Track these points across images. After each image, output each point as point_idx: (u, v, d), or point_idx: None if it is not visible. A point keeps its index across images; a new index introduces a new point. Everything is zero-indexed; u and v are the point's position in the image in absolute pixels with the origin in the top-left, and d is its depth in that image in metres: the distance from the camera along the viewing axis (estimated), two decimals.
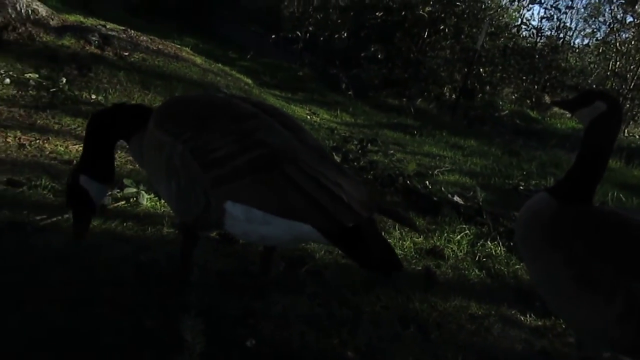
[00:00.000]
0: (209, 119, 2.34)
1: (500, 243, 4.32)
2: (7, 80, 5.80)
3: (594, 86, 16.70)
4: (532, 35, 17.62)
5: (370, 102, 11.80)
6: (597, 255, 2.15)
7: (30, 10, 7.48)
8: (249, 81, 10.03)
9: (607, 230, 2.25)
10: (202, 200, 2.25)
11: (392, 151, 6.85)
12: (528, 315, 3.29)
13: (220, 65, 10.06)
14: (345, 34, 13.74)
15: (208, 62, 9.54)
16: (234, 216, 2.21)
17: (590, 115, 2.39)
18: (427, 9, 13.22)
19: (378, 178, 5.41)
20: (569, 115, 14.45)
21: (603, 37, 20.61)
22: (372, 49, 12.82)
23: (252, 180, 2.12)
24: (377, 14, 13.44)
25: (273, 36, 14.15)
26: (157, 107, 2.66)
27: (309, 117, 8.86)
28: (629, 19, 18.05)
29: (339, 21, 13.92)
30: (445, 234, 4.26)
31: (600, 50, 19.45)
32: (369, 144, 6.32)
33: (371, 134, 8.02)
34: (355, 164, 5.71)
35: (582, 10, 24.11)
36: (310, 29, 14.10)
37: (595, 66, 19.41)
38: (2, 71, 5.98)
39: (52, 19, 7.75)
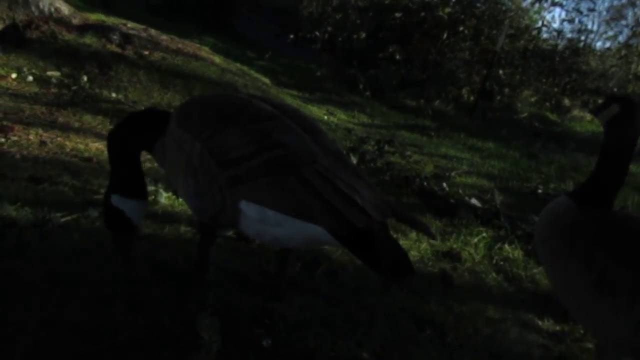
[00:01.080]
0: (229, 118, 2.35)
1: (518, 247, 4.29)
2: (30, 78, 5.89)
3: (615, 89, 16.47)
4: (552, 38, 17.43)
5: (388, 103, 11.76)
6: (618, 261, 2.13)
7: (52, 9, 7.59)
8: (267, 81, 10.06)
9: (627, 236, 2.22)
10: (219, 199, 2.27)
11: (409, 152, 6.83)
12: (546, 320, 3.26)
13: (238, 64, 10.10)
14: (363, 35, 13.69)
15: (226, 62, 9.58)
16: (248, 216, 2.23)
17: (606, 118, 2.39)
18: (447, 10, 13.14)
19: (395, 179, 5.40)
20: (588, 118, 14.12)
21: (625, 40, 20.34)
22: (391, 49, 12.77)
23: (268, 181, 2.13)
24: (396, 14, 13.39)
25: (291, 36, 14.17)
26: (178, 106, 2.67)
27: (326, 117, 8.86)
28: None
29: (358, 22, 13.89)
30: (462, 237, 4.24)
31: (622, 54, 19.18)
32: (386, 145, 6.30)
33: (388, 134, 8.00)
34: (372, 164, 5.70)
35: (605, 13, 23.80)
36: (329, 29, 14.08)
37: (617, 69, 19.14)
38: (25, 69, 6.07)
39: (74, 18, 7.85)
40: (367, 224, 1.98)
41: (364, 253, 2.01)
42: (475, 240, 4.21)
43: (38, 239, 2.79)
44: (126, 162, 2.66)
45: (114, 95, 6.07)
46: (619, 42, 21.27)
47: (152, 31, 8.67)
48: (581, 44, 17.54)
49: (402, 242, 3.82)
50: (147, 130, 2.65)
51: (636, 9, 19.24)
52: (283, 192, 2.11)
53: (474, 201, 5.09)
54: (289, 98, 9.26)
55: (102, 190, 3.41)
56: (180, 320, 2.38)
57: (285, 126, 2.30)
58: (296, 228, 2.12)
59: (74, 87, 5.72)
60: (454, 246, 4.04)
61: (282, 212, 2.12)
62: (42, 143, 4.25)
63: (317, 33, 13.98)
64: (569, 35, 17.81)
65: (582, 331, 3.18)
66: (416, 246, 3.88)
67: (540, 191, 6.42)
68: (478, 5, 13.92)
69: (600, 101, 2.64)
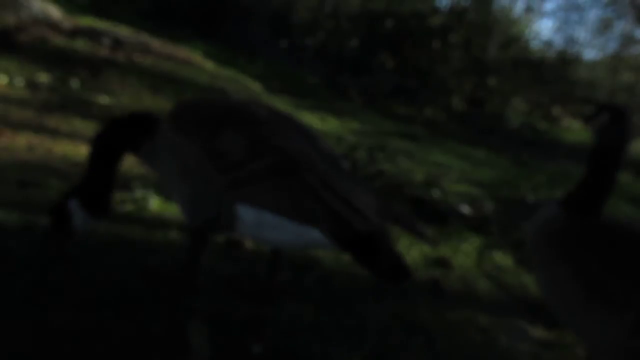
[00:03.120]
0: (227, 121, 2.35)
1: (509, 254, 4.30)
2: (20, 82, 5.84)
3: (603, 99, 16.63)
4: (542, 48, 17.59)
5: (379, 110, 11.79)
6: (608, 268, 2.14)
7: (43, 13, 7.55)
8: (258, 87, 10.06)
9: (617, 243, 2.23)
10: (215, 202, 2.26)
11: (400, 159, 6.84)
12: (536, 328, 3.26)
13: (230, 70, 10.10)
14: (355, 42, 13.75)
15: (218, 68, 9.57)
16: (245, 220, 2.22)
17: (596, 127, 2.40)
18: (438, 19, 13.25)
19: (386, 186, 5.40)
20: (577, 127, 14.25)
21: (613, 51, 20.56)
22: (382, 57, 12.85)
23: (268, 185, 2.13)
24: (387, 23, 13.47)
25: (283, 43, 14.19)
26: (173, 108, 2.64)
27: (317, 124, 8.87)
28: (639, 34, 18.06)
29: (350, 29, 13.96)
30: (453, 244, 4.25)
31: (611, 65, 19.39)
32: (377, 152, 6.31)
33: (379, 142, 8.01)
34: (364, 172, 5.70)
35: (594, 24, 24.06)
36: (321, 34, 14.13)
37: (605, 79, 19.33)
38: (14, 73, 6.02)
39: (65, 22, 7.81)
40: (368, 228, 1.99)
41: (364, 257, 2.02)
42: (466, 247, 4.22)
43: (26, 244, 2.76)
44: (104, 168, 2.57)
45: (104, 100, 6.04)
46: (606, 53, 21.49)
47: (144, 36, 8.65)
48: (570, 55, 17.71)
49: None
50: (134, 132, 2.61)
51: (624, 21, 19.47)
52: (284, 195, 2.11)
53: (464, 208, 5.10)
54: (280, 104, 9.26)
55: None
56: (169, 326, 2.36)
57: (284, 131, 2.30)
58: (295, 232, 2.12)
59: (64, 92, 5.68)
60: (445, 253, 4.04)
61: (282, 216, 2.11)
62: (31, 147, 4.21)
63: (309, 40, 14.02)
64: (559, 46, 18.01)
65: (572, 339, 3.18)
66: (407, 253, 3.87)
67: (530, 199, 6.45)
68: (469, 15, 14.04)
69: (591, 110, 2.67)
